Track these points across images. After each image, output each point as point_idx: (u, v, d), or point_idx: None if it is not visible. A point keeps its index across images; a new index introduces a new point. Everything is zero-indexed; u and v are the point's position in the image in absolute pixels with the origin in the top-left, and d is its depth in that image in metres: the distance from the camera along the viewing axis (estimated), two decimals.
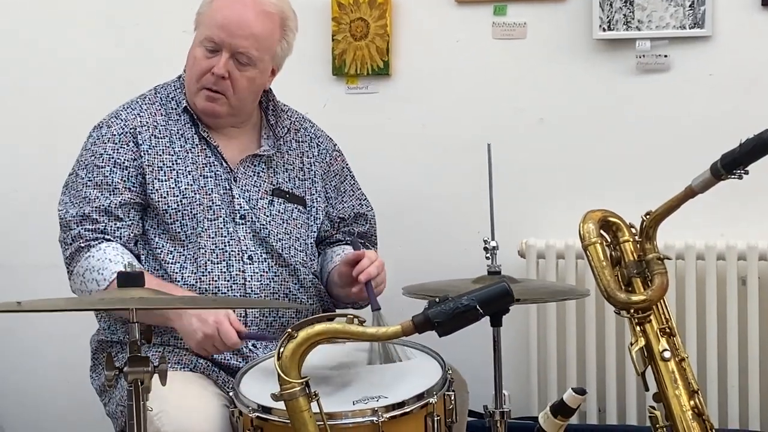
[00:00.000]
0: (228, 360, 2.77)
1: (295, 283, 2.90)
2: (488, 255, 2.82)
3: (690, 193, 2.41)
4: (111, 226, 2.80)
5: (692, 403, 2.42)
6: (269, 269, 2.87)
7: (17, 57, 3.84)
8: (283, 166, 2.97)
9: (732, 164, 2.35)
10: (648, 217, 2.49)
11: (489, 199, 2.91)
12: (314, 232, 2.99)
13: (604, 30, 3.46)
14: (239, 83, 2.83)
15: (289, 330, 2.12)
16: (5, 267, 3.81)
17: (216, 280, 2.82)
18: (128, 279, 2.22)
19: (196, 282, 2.82)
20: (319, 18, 3.64)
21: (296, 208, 2.95)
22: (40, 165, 3.74)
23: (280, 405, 2.17)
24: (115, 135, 2.86)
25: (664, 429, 2.42)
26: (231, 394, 2.57)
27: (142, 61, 3.67)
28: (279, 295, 2.87)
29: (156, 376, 2.19)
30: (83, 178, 2.84)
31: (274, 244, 2.88)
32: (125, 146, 2.85)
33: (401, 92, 3.64)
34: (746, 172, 2.37)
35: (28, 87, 3.84)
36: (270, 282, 2.87)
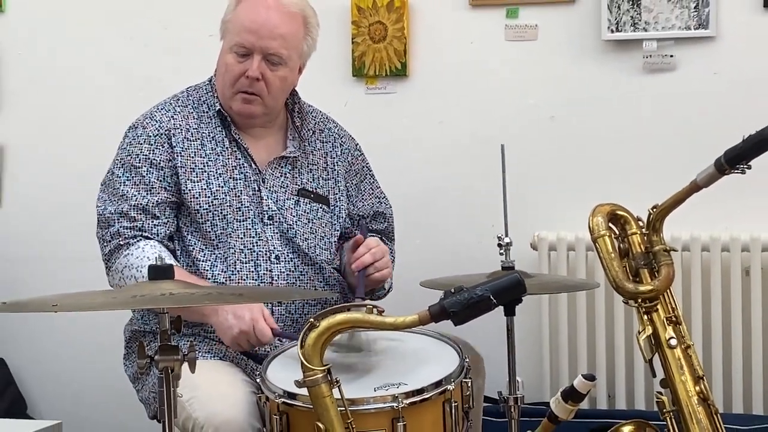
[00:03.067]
0: (256, 348, 2.78)
1: (321, 281, 2.90)
2: (502, 251, 2.82)
3: (695, 187, 2.41)
4: (148, 224, 2.80)
5: (698, 388, 2.41)
6: (295, 268, 2.87)
7: (54, 60, 3.86)
8: (308, 166, 2.96)
9: (735, 159, 2.35)
10: (655, 210, 2.49)
11: (503, 196, 2.91)
12: (337, 230, 2.98)
13: (612, 31, 3.46)
14: (273, 83, 2.83)
15: (312, 319, 2.13)
16: (44, 260, 3.83)
17: (244, 279, 2.82)
18: (158, 272, 2.23)
19: (226, 280, 2.82)
20: (339, 22, 3.64)
21: (321, 207, 2.95)
22: (76, 162, 3.76)
23: (304, 391, 2.18)
24: (150, 136, 2.85)
25: (671, 414, 2.41)
26: (258, 380, 2.58)
27: (171, 63, 3.68)
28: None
29: (185, 365, 2.20)
30: (120, 177, 2.84)
31: (300, 243, 2.88)
32: (160, 147, 2.84)
33: (418, 92, 3.64)
34: (749, 167, 2.36)
35: (65, 87, 3.86)
36: (296, 281, 2.87)
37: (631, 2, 3.44)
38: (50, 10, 3.87)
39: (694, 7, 3.40)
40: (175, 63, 3.66)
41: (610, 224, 2.52)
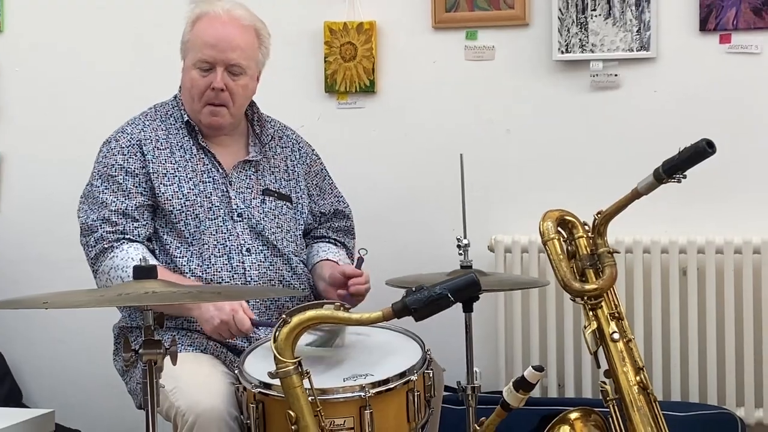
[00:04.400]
0: (234, 342, 2.77)
1: (289, 271, 2.90)
2: (461, 252, 2.83)
3: (636, 195, 2.42)
4: (129, 227, 2.79)
5: (638, 378, 2.42)
6: (266, 259, 2.87)
7: (49, 75, 3.83)
8: (270, 169, 2.97)
9: (672, 169, 2.37)
10: (599, 215, 2.50)
11: (462, 202, 2.92)
12: (301, 225, 3.00)
13: (562, 52, 3.46)
14: (236, 92, 2.85)
15: (284, 316, 2.12)
16: (40, 262, 3.80)
17: (219, 271, 2.82)
18: (142, 272, 2.23)
19: (203, 273, 2.81)
20: (313, 42, 3.63)
21: (285, 204, 2.96)
22: (70, 171, 3.70)
23: (279, 381, 2.18)
24: (123, 147, 2.86)
25: (614, 401, 2.42)
26: (236, 372, 2.57)
27: (160, 77, 3.59)
28: (275, 281, 2.87)
29: (168, 357, 2.19)
30: (99, 187, 2.83)
31: (269, 237, 2.88)
32: (133, 156, 2.85)
33: (385, 107, 3.63)
34: (684, 177, 2.38)
35: (59, 101, 3.82)
36: (267, 270, 2.86)
37: (579, 26, 3.44)
38: (46, 29, 3.83)
39: (636, 31, 3.42)
40: (165, 77, 3.60)
41: (559, 228, 2.53)
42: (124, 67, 3.77)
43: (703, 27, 3.38)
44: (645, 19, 3.40)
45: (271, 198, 2.93)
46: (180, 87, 2.95)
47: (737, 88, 3.38)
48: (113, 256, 2.75)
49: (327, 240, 3.09)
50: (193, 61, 2.85)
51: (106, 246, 2.77)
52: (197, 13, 2.90)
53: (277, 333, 2.10)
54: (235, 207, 2.88)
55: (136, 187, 2.83)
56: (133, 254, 2.73)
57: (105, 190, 2.82)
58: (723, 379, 3.36)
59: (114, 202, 2.80)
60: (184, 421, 2.54)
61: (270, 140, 3.00)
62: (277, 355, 2.09)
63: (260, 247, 2.88)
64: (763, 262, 3.31)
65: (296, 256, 2.93)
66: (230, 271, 2.83)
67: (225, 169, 2.90)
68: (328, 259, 2.99)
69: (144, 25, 3.75)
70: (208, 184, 2.87)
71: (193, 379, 2.59)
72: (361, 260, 2.90)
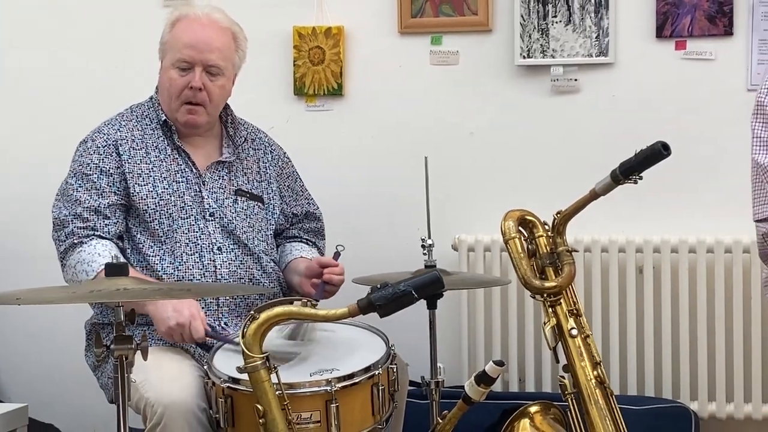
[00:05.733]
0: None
1: (259, 269, 2.90)
2: (425, 251, 2.83)
3: (594, 195, 2.43)
4: (100, 224, 2.78)
5: (595, 373, 2.43)
6: (236, 258, 2.87)
7: (28, 77, 3.79)
8: (242, 170, 2.97)
9: (628, 171, 2.38)
10: (559, 215, 2.51)
11: (426, 202, 2.92)
12: (272, 225, 3.00)
13: (524, 57, 3.47)
14: (213, 91, 2.85)
15: (252, 312, 2.12)
16: (15, 259, 3.76)
17: (191, 269, 2.81)
18: (114, 269, 2.22)
19: (174, 271, 2.80)
20: (282, 46, 3.62)
21: (256, 205, 2.96)
22: (44, 172, 3.67)
23: (246, 377, 2.17)
24: (99, 147, 2.85)
25: (572, 395, 2.43)
26: (205, 367, 2.56)
27: (146, 78, 3.57)
28: (245, 279, 2.86)
29: (138, 353, 2.18)
30: (73, 185, 2.82)
31: (240, 236, 2.88)
32: (109, 156, 2.84)
33: (352, 110, 3.63)
34: (641, 178, 2.39)
35: (34, 103, 3.79)
36: (237, 269, 2.86)
37: (540, 32, 3.46)
38: (23, 31, 3.80)
39: (595, 37, 3.43)
40: (141, 78, 3.53)
41: (520, 228, 2.53)
42: (100, 69, 3.74)
43: (660, 34, 3.40)
44: (603, 26, 3.42)
45: (243, 198, 2.93)
46: (157, 88, 2.93)
47: (692, 92, 3.40)
48: (81, 251, 2.74)
49: (300, 240, 3.09)
50: (172, 61, 2.84)
51: (75, 241, 2.76)
52: (176, 15, 2.90)
53: (245, 329, 2.09)
54: (207, 206, 2.87)
55: (110, 186, 2.81)
56: (100, 250, 2.72)
57: (79, 188, 2.81)
58: (677, 374, 3.38)
59: (87, 200, 2.79)
60: (153, 412, 2.53)
61: (243, 142, 2.99)
62: (246, 350, 2.08)
63: (231, 246, 2.87)
64: (716, 261, 3.34)
65: (267, 255, 2.93)
66: (201, 269, 2.82)
67: (199, 169, 2.89)
68: (302, 257, 2.99)
69: (120, 28, 3.73)
70: (181, 183, 2.86)
71: (162, 372, 2.58)
72: (337, 254, 2.90)
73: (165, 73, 2.87)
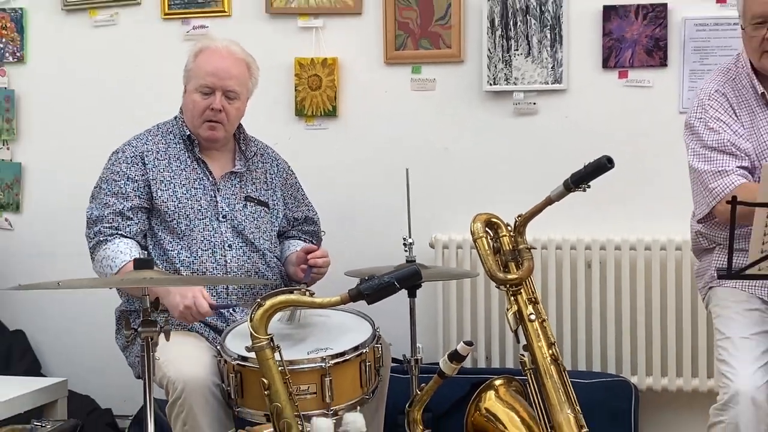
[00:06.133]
0: (215, 322, 2.75)
1: (263, 264, 2.89)
2: (406, 248, 2.82)
3: (549, 201, 2.42)
4: (123, 225, 2.77)
5: (551, 351, 2.42)
6: (244, 254, 2.85)
7: (61, 101, 3.78)
8: (252, 179, 2.95)
9: (579, 180, 2.37)
10: (519, 218, 2.49)
11: (407, 207, 2.91)
12: (276, 227, 2.99)
13: (490, 84, 3.47)
14: (230, 112, 2.85)
15: (259, 300, 2.10)
16: (54, 254, 3.74)
17: (205, 263, 2.80)
18: (142, 263, 2.22)
19: (190, 264, 2.79)
20: (285, 74, 3.61)
21: (263, 209, 2.94)
22: (77, 179, 3.60)
23: (254, 355, 2.16)
24: (128, 157, 2.84)
25: (531, 371, 2.42)
26: (218, 347, 2.55)
27: (164, 101, 3.51)
28: (251, 272, 2.85)
29: (162, 335, 2.16)
30: (104, 189, 2.81)
31: (248, 235, 2.87)
32: (135, 165, 2.83)
33: (345, 128, 3.62)
34: (589, 186, 2.38)
35: (69, 121, 3.78)
36: (244, 263, 2.85)
37: (504, 63, 3.46)
38: (61, 62, 3.79)
39: (551, 67, 3.43)
40: (160, 101, 3.53)
41: (487, 228, 2.52)
42: (125, 93, 3.72)
43: (605, 64, 3.41)
44: (558, 58, 3.42)
45: (251, 203, 2.91)
46: (181, 108, 2.92)
47: (633, 114, 3.40)
48: (106, 248, 2.73)
49: (299, 239, 3.07)
50: (196, 86, 2.83)
51: (101, 239, 2.75)
52: (199, 47, 2.89)
53: (253, 314, 2.08)
54: (220, 210, 2.86)
55: (134, 191, 2.80)
56: (122, 248, 2.72)
57: (108, 192, 2.80)
58: (620, 353, 3.38)
59: (114, 203, 2.78)
60: (174, 387, 2.52)
61: (253, 156, 2.98)
62: (253, 332, 2.07)
63: (240, 244, 2.86)
64: (653, 257, 3.34)
65: (270, 252, 2.92)
66: (214, 263, 2.81)
67: (215, 178, 2.88)
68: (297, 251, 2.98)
69: (143, 59, 3.71)
70: (198, 189, 2.85)
71: (182, 353, 2.57)
72: (319, 240, 2.90)
73: (189, 96, 2.86)
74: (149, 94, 3.66)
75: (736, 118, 2.63)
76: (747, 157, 2.60)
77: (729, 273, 2.24)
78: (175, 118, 2.95)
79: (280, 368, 2.12)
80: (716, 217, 2.61)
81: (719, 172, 2.58)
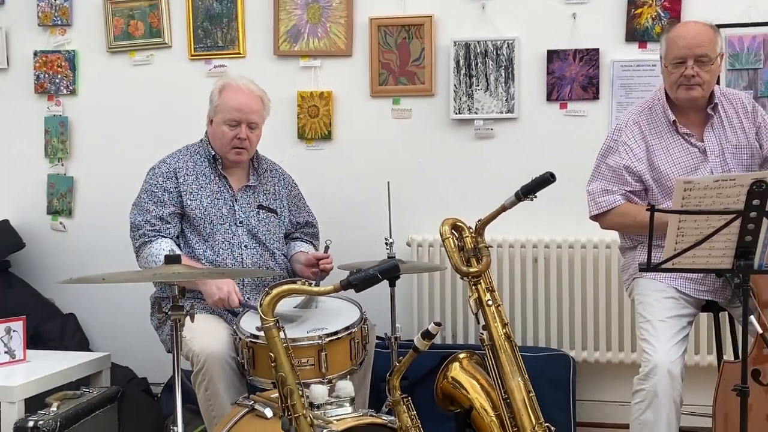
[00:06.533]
0: (232, 308, 2.74)
1: (273, 260, 2.89)
2: (387, 247, 2.83)
3: (503, 208, 2.43)
4: (163, 227, 2.77)
5: (504, 331, 2.43)
6: (257, 252, 2.86)
7: (107, 125, 3.76)
8: (263, 191, 2.96)
9: (527, 192, 2.39)
10: (479, 222, 2.51)
11: (388, 212, 2.92)
12: (282, 230, 2.99)
13: (456, 113, 3.48)
14: (252, 139, 2.86)
15: (267, 288, 2.10)
16: (102, 252, 3.71)
17: (225, 260, 2.81)
18: (171, 259, 2.21)
19: (213, 261, 2.79)
20: (289, 105, 3.61)
21: (272, 216, 2.95)
22: (122, 190, 3.60)
23: (262, 334, 2.15)
24: (164, 172, 2.84)
25: (489, 346, 2.43)
26: (234, 327, 2.55)
27: (192, 127, 3.41)
28: (262, 267, 2.86)
29: (188, 317, 2.16)
30: (144, 198, 2.82)
31: (261, 237, 2.87)
32: (170, 179, 2.83)
33: (338, 149, 3.61)
34: (536, 197, 2.40)
35: (115, 142, 3.76)
36: (257, 260, 2.85)
37: (467, 96, 3.47)
38: (107, 93, 3.77)
39: (505, 100, 3.45)
40: (189, 127, 3.52)
41: (453, 230, 2.53)
42: (159, 119, 3.71)
43: (549, 98, 3.42)
44: (511, 92, 3.44)
45: (263, 211, 2.91)
46: (206, 132, 2.92)
47: (571, 138, 3.41)
48: (150, 247, 2.73)
49: (301, 240, 3.07)
50: (224, 119, 2.83)
51: (146, 240, 2.74)
52: (222, 84, 2.89)
53: (262, 300, 2.07)
54: (238, 216, 2.85)
55: (170, 200, 2.80)
56: (164, 246, 2.72)
57: (148, 201, 2.79)
58: (561, 331, 3.39)
59: (154, 210, 2.77)
60: (198, 360, 2.52)
61: (264, 171, 2.98)
62: (262, 315, 2.06)
63: (254, 244, 2.85)
64: (588, 253, 3.36)
65: (278, 250, 2.92)
66: (232, 260, 2.81)
67: (233, 190, 2.87)
68: (301, 251, 2.98)
69: (174, 92, 3.70)
70: (220, 200, 2.85)
71: (204, 332, 2.58)
72: (327, 247, 2.89)
73: (218, 127, 2.85)
74: (178, 120, 3.65)
75: (643, 145, 2.66)
76: (638, 183, 2.66)
77: (649, 267, 2.26)
78: (201, 140, 2.95)
79: (284, 344, 2.12)
80: (599, 222, 2.71)
81: (606, 190, 2.65)
